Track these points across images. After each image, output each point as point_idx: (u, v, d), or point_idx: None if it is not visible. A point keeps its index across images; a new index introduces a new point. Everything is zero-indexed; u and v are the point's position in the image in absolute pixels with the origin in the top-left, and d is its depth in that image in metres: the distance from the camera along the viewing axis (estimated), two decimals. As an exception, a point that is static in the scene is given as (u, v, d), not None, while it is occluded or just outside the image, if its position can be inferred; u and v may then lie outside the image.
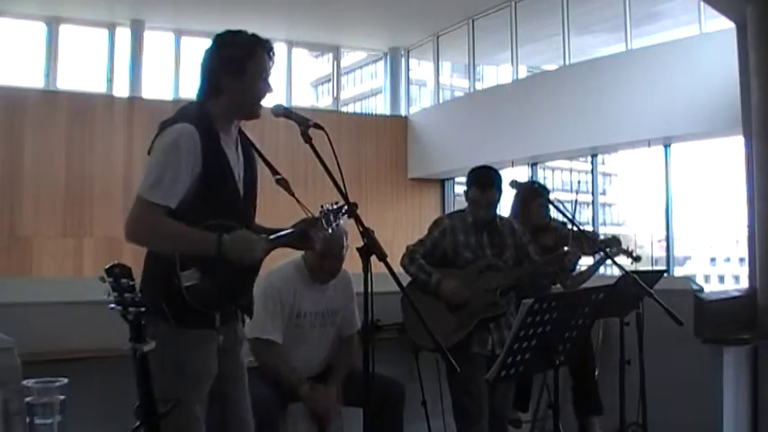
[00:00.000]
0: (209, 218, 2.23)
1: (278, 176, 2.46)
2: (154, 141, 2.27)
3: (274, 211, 2.64)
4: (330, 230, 2.43)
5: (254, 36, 2.33)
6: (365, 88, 21.10)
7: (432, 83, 16.18)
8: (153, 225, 2.19)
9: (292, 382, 3.28)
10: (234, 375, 2.47)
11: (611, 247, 3.96)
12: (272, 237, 2.38)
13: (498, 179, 3.59)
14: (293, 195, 2.40)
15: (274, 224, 2.49)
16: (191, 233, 2.19)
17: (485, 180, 3.57)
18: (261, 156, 2.51)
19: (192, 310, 2.20)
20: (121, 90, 13.76)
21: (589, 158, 13.20)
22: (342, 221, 2.46)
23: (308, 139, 2.28)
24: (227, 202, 2.31)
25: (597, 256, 4.33)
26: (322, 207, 2.44)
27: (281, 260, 3.53)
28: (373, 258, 2.16)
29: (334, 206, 2.42)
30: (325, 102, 18.64)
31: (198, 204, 2.23)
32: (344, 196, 2.26)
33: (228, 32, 2.35)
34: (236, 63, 2.28)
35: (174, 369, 2.24)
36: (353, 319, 3.53)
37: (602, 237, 4.35)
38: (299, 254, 3.45)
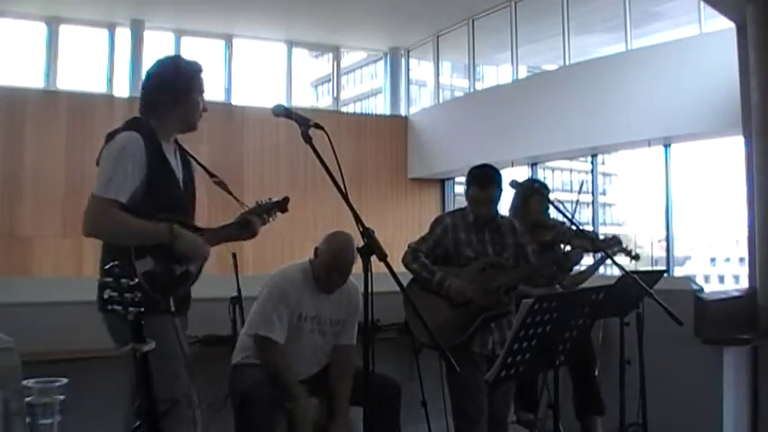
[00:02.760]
0: (156, 213, 2.50)
1: (215, 179, 2.83)
2: (102, 150, 2.55)
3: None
4: (267, 221, 2.82)
5: (193, 62, 2.70)
6: (365, 88, 21.12)
7: (432, 83, 16.18)
8: (109, 218, 2.45)
9: (292, 387, 3.26)
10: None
11: (612, 247, 3.95)
12: (215, 229, 2.69)
13: (498, 177, 3.59)
14: (231, 194, 2.77)
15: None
16: (144, 223, 2.48)
17: (484, 178, 3.58)
18: (198, 162, 2.82)
19: (149, 297, 2.32)
20: (121, 90, 13.77)
21: (589, 158, 13.20)
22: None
23: (308, 139, 2.30)
24: (172, 200, 2.59)
25: (597, 256, 4.33)
26: (257, 202, 2.84)
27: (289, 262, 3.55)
28: (373, 258, 2.16)
29: (270, 201, 2.86)
30: (325, 102, 18.65)
31: (146, 202, 2.50)
32: (345, 196, 2.26)
33: (171, 59, 2.73)
34: (183, 87, 2.62)
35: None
36: (352, 332, 3.51)
37: (602, 236, 4.35)
38: (306, 258, 3.47)
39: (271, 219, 2.84)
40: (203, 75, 2.70)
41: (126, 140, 2.51)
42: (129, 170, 2.47)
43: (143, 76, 2.78)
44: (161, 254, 2.49)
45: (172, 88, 2.61)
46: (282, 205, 2.87)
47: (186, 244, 2.53)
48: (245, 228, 2.78)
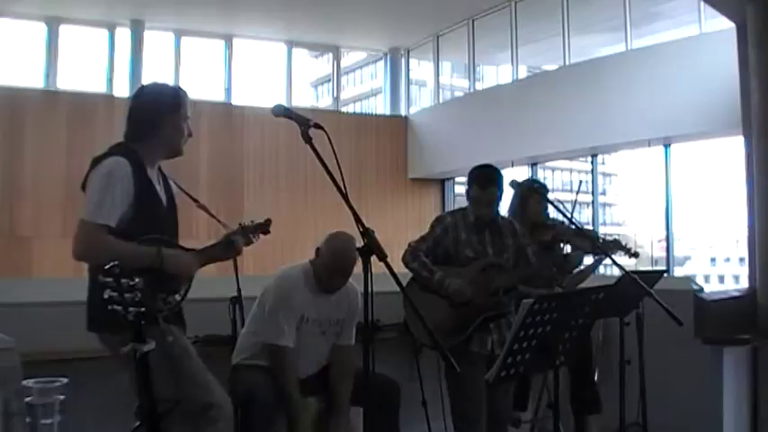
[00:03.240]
0: (144, 235, 2.55)
1: (197, 203, 2.94)
2: (88, 175, 2.61)
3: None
4: (252, 241, 2.90)
5: (178, 89, 2.79)
6: (365, 88, 21.10)
7: (432, 83, 16.17)
8: (100, 243, 2.49)
9: (292, 393, 3.26)
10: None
11: (612, 249, 3.94)
12: (200, 249, 2.73)
13: (499, 177, 3.59)
14: (213, 216, 2.90)
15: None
16: (134, 248, 2.52)
17: (485, 178, 3.57)
18: (180, 187, 2.91)
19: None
20: (121, 90, 13.76)
21: (589, 158, 13.19)
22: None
23: (308, 139, 2.30)
24: (157, 221, 2.66)
25: (596, 255, 4.32)
26: (240, 224, 2.91)
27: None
28: (373, 258, 2.16)
29: (253, 223, 2.93)
30: (325, 102, 18.65)
31: (133, 224, 2.56)
32: (345, 196, 2.26)
33: (157, 86, 2.80)
34: (168, 114, 2.69)
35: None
36: (351, 332, 3.53)
37: (602, 237, 4.34)
38: (307, 259, 3.47)
39: (255, 239, 2.93)
40: (188, 100, 2.78)
41: (113, 165, 2.57)
42: (117, 195, 2.53)
43: (138, 86, 2.85)
44: (147, 274, 2.47)
45: (158, 115, 2.68)
46: (265, 227, 2.96)
47: (175, 263, 2.59)
48: (229, 247, 2.85)
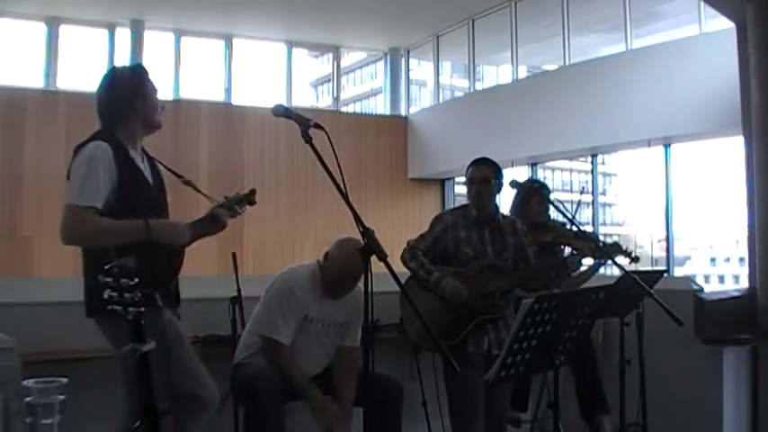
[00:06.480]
0: (132, 216, 2.56)
1: (183, 179, 2.93)
2: (71, 163, 2.64)
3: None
4: (238, 213, 2.91)
5: (137, 65, 2.88)
6: (365, 88, 21.11)
7: (432, 83, 16.17)
8: (87, 224, 2.52)
9: (303, 384, 3.28)
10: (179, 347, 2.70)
11: (612, 254, 3.94)
12: (189, 223, 2.75)
13: (494, 163, 3.62)
14: (199, 191, 2.85)
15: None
16: (121, 224, 2.53)
17: (477, 159, 3.63)
18: (164, 166, 2.91)
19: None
20: (121, 90, 13.74)
21: (589, 158, 13.20)
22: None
23: (308, 139, 2.31)
24: (144, 201, 2.67)
25: (596, 259, 4.31)
26: (225, 197, 2.92)
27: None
28: (373, 258, 2.16)
29: (238, 194, 2.94)
30: (325, 102, 18.65)
31: (119, 206, 2.57)
32: (345, 196, 2.26)
33: (115, 70, 2.86)
34: (136, 90, 2.73)
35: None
36: (356, 334, 3.52)
37: (602, 238, 4.33)
38: (307, 257, 3.48)
39: (241, 211, 2.94)
40: (150, 75, 2.81)
41: (94, 149, 2.60)
42: (100, 177, 2.55)
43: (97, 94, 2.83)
44: (141, 253, 2.45)
45: (129, 94, 2.71)
46: (250, 198, 2.97)
47: (164, 232, 2.59)
48: (214, 221, 2.85)
